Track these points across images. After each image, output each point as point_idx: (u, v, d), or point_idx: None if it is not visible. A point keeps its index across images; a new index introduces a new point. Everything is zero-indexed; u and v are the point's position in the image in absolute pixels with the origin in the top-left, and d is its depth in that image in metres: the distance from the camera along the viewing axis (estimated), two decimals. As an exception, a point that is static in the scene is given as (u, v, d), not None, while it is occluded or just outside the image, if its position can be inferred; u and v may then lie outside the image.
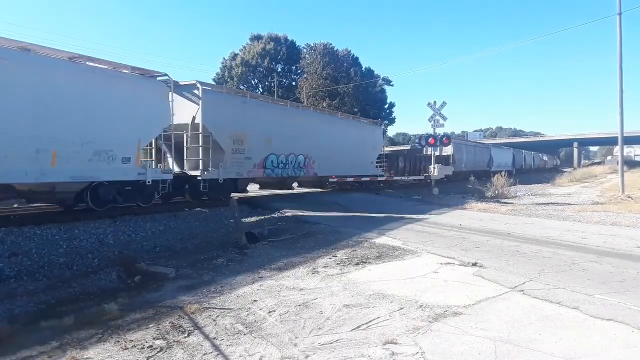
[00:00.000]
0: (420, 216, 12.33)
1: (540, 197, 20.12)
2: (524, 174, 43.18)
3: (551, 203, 16.69)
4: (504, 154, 45.94)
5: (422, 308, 4.57)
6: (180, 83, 11.70)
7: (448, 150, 27.93)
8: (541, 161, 64.86)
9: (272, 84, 45.47)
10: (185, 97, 11.84)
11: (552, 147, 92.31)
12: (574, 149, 77.23)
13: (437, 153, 22.19)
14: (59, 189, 9.11)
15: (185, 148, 11.86)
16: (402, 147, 44.22)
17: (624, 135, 19.42)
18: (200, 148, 11.68)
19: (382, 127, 24.54)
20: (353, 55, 47.39)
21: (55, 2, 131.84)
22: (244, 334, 3.95)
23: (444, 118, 19.92)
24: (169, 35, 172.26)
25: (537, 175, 42.93)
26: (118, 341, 3.85)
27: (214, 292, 5.37)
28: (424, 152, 26.05)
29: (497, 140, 79.98)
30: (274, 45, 47.74)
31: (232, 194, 13.22)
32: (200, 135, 11.65)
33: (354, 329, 4.01)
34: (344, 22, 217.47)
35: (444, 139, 20.80)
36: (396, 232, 9.55)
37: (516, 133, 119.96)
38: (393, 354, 3.48)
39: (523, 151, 56.57)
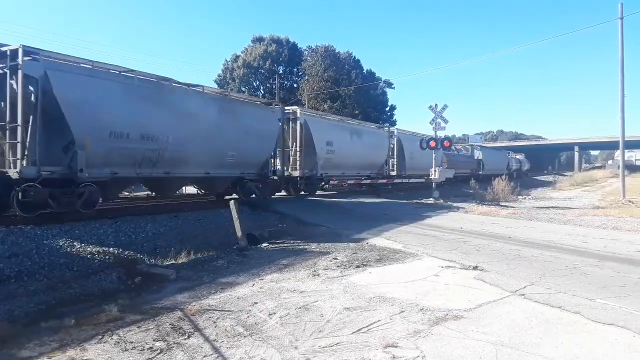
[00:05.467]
0: (421, 219, 12.32)
1: (541, 200, 20.12)
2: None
3: (552, 207, 16.67)
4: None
5: (423, 311, 4.56)
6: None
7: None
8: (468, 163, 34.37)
9: (274, 86, 45.45)
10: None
11: (553, 150, 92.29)
12: (575, 153, 76.93)
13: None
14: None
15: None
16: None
17: (625, 139, 19.42)
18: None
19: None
20: (354, 57, 47.39)
21: (59, 4, 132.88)
22: (244, 337, 3.94)
23: (446, 121, 19.88)
24: (171, 37, 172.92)
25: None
26: (118, 342, 3.85)
27: (214, 293, 5.37)
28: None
29: (498, 144, 79.45)
30: (276, 47, 47.71)
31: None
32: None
33: (354, 332, 4.00)
34: (346, 24, 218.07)
35: (444, 142, 20.77)
36: (397, 235, 9.53)
37: (517, 136, 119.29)
38: (394, 357, 3.47)
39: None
